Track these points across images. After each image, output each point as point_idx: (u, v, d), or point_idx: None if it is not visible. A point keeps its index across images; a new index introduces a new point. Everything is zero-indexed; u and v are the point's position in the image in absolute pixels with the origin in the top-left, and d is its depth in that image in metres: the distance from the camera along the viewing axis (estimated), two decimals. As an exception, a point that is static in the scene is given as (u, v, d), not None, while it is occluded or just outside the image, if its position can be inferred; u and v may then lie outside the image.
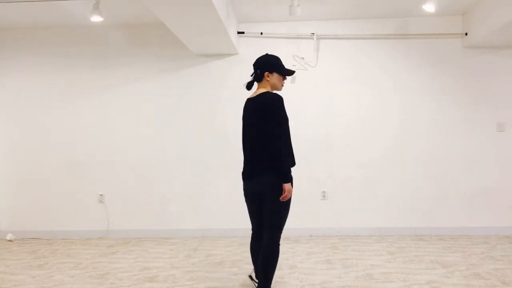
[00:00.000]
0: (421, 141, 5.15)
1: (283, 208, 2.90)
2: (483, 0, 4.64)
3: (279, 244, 2.93)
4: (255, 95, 3.01)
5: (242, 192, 3.16)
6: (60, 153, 5.37)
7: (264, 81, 3.00)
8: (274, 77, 3.01)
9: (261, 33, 5.23)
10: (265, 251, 2.89)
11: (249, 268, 3.91)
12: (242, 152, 3.12)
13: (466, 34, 5.04)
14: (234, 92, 5.27)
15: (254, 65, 3.05)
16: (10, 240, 5.28)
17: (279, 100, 2.87)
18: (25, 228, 5.37)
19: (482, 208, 5.10)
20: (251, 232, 3.15)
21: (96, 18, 4.44)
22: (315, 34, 5.18)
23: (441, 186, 5.13)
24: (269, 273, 2.89)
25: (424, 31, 5.14)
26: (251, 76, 3.08)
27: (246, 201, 3.13)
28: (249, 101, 3.05)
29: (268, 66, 3.00)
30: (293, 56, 5.18)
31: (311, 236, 5.12)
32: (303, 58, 5.19)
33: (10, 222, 5.41)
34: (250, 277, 3.24)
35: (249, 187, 3.04)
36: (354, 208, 5.17)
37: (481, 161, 5.12)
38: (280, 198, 2.83)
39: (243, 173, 3.08)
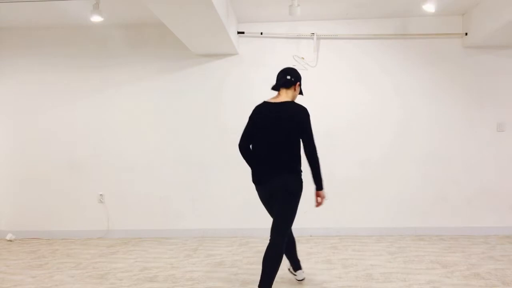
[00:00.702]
0: (421, 141, 5.15)
1: (295, 210, 3.04)
2: (483, 0, 4.64)
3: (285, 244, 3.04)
4: (279, 100, 3.10)
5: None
6: (60, 153, 5.37)
7: (291, 89, 3.14)
8: (298, 91, 3.21)
9: (261, 33, 5.23)
10: (276, 250, 2.97)
11: (249, 267, 3.91)
12: (255, 151, 3.13)
13: (466, 34, 5.03)
14: (234, 92, 5.27)
15: (286, 71, 3.17)
16: (10, 240, 5.28)
17: (308, 111, 3.09)
18: (25, 228, 5.37)
19: (482, 208, 5.10)
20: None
21: (96, 18, 4.43)
22: (315, 34, 5.18)
23: (441, 186, 5.13)
24: (275, 271, 2.96)
25: (424, 31, 5.14)
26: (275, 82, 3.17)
27: (265, 203, 3.17)
28: (271, 105, 3.09)
29: (299, 79, 3.20)
30: (293, 56, 5.18)
31: (311, 236, 5.12)
32: (303, 58, 5.19)
33: (10, 222, 5.41)
34: (290, 270, 3.50)
35: (267, 188, 3.06)
36: (354, 208, 5.17)
37: (481, 161, 5.12)
38: (315, 206, 3.10)
39: (262, 173, 3.07)
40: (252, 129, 3.12)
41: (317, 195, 3.10)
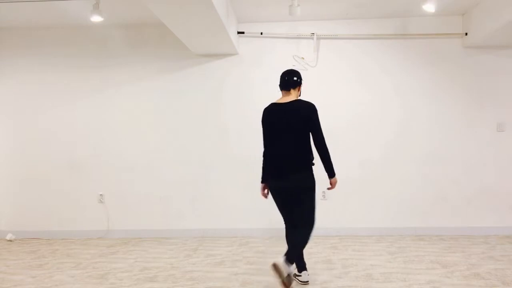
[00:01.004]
0: (421, 141, 5.15)
1: (314, 201, 3.32)
2: (483, 0, 4.64)
3: None
4: (288, 100, 3.30)
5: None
6: (60, 153, 5.37)
7: (296, 90, 3.38)
8: (300, 91, 3.46)
9: (261, 33, 5.23)
10: (302, 242, 3.25)
11: (249, 267, 3.91)
12: (268, 152, 3.32)
13: (466, 34, 5.04)
14: (234, 92, 5.27)
15: (292, 72, 3.39)
16: (10, 240, 5.28)
17: (315, 106, 3.35)
18: (25, 228, 5.37)
19: (482, 208, 5.10)
20: (285, 226, 3.40)
21: (96, 18, 4.44)
22: (315, 34, 5.18)
23: (441, 186, 5.13)
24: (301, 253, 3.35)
25: (424, 31, 5.14)
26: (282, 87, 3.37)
27: (279, 198, 3.31)
28: (282, 105, 3.30)
29: (302, 80, 3.46)
30: (293, 56, 5.18)
31: (312, 236, 5.11)
32: (303, 58, 5.19)
33: (10, 222, 5.41)
34: (294, 275, 3.41)
35: (285, 184, 3.23)
36: (354, 208, 5.17)
37: (481, 161, 5.12)
38: (328, 189, 3.39)
39: (276, 172, 3.25)
40: (269, 132, 3.31)
41: (330, 182, 3.38)
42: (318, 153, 3.30)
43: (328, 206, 5.17)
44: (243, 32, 5.22)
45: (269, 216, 5.12)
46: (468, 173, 5.12)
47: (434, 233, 5.07)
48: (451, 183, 5.12)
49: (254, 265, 3.99)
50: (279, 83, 3.39)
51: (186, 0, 3.50)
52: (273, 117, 3.29)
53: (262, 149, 3.42)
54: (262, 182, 3.40)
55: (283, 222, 3.46)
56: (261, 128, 3.37)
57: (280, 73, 3.43)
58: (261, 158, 3.40)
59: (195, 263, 4.10)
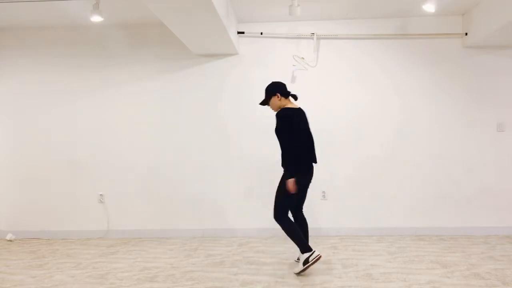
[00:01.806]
0: (421, 141, 5.15)
1: None
2: (483, 0, 4.64)
3: None
4: (297, 106, 3.81)
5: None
6: (60, 153, 5.37)
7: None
8: None
9: (261, 33, 5.23)
10: (305, 220, 3.95)
11: (249, 267, 3.91)
12: (299, 149, 3.64)
13: (466, 34, 5.04)
14: (234, 92, 5.27)
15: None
16: (10, 240, 5.28)
17: None
18: (25, 228, 5.37)
19: (482, 208, 5.10)
20: (290, 215, 3.78)
21: (96, 18, 4.44)
22: (315, 34, 5.18)
23: (441, 186, 5.13)
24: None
25: (424, 31, 5.14)
26: (289, 94, 3.87)
27: (304, 189, 3.77)
28: (300, 110, 3.81)
29: None
30: (293, 56, 5.18)
31: (310, 236, 5.11)
32: (303, 58, 5.19)
33: (10, 222, 5.41)
34: (306, 260, 3.62)
35: (310, 177, 3.79)
36: (354, 208, 5.17)
37: (481, 161, 5.12)
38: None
39: (308, 168, 3.73)
40: (300, 131, 3.70)
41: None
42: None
43: (328, 206, 5.18)
44: (243, 32, 5.22)
45: (268, 216, 5.12)
46: (468, 173, 5.12)
47: (434, 233, 5.07)
48: (451, 183, 5.12)
49: (254, 265, 3.99)
50: (284, 90, 3.81)
51: (186, 1, 3.50)
52: (300, 119, 3.76)
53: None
54: (295, 176, 3.62)
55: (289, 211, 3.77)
56: (288, 128, 3.62)
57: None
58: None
59: (195, 263, 4.10)
